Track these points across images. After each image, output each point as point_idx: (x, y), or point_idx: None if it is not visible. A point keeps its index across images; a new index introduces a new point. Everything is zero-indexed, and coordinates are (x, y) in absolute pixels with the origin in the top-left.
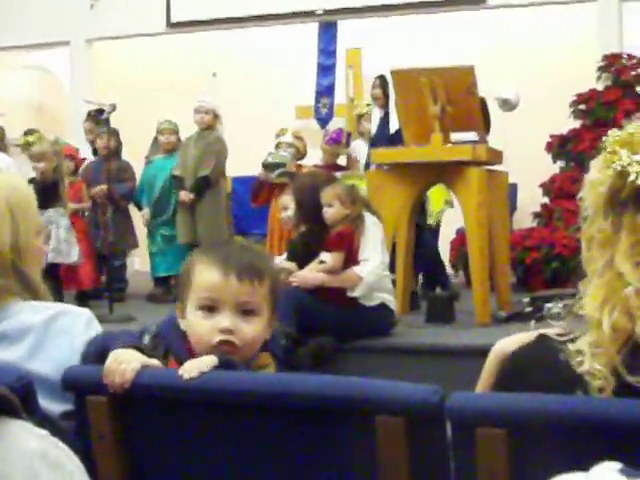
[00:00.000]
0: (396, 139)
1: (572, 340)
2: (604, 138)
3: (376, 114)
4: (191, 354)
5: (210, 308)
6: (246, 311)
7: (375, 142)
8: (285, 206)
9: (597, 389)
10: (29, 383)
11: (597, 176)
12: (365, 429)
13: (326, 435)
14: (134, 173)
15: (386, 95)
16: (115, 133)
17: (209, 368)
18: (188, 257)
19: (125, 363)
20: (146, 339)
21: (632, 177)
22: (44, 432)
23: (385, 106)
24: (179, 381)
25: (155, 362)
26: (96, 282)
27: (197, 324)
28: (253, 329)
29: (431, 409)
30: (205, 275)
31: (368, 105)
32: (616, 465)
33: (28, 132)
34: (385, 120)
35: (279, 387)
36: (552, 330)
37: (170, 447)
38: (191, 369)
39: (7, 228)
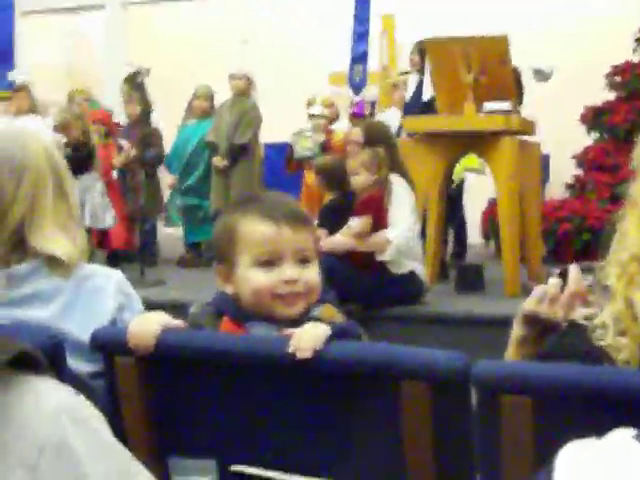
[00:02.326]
0: (429, 106)
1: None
2: None
3: (413, 81)
4: (244, 313)
5: (269, 262)
6: (303, 259)
7: (408, 109)
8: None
9: (622, 362)
10: (59, 342)
11: None
12: (390, 394)
13: (351, 400)
14: (161, 139)
15: (423, 61)
16: (145, 99)
17: (322, 343)
18: (222, 218)
19: (148, 325)
20: (193, 308)
21: None
22: (69, 388)
23: (421, 72)
24: (202, 343)
25: (179, 322)
26: (128, 244)
27: (257, 279)
28: (313, 275)
29: (456, 375)
30: (256, 229)
31: (402, 74)
32: (632, 431)
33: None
34: (420, 87)
35: None
36: (580, 312)
37: (196, 406)
38: (304, 347)
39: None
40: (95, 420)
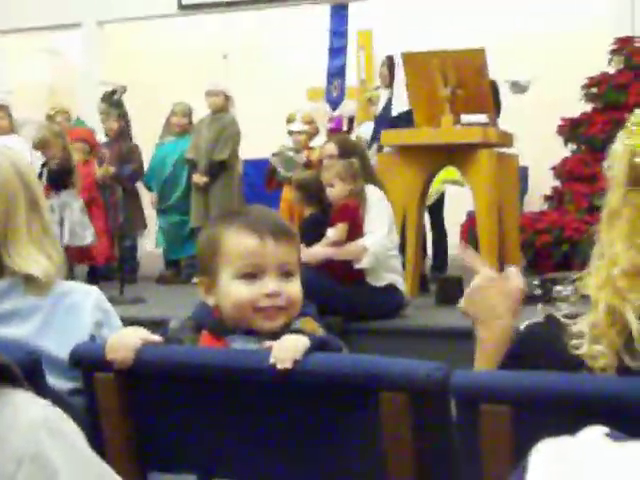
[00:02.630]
0: (398, 122)
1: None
2: (629, 116)
3: (383, 96)
4: (224, 327)
5: (251, 275)
6: (285, 273)
7: (378, 124)
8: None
9: (600, 369)
10: (37, 358)
11: (618, 147)
12: (369, 405)
13: (332, 411)
14: (140, 155)
15: (392, 75)
16: (123, 115)
17: (302, 354)
18: (206, 230)
19: (126, 339)
20: (172, 323)
21: (638, 159)
22: (46, 401)
23: (390, 86)
24: (181, 358)
25: (156, 338)
26: (110, 259)
27: (239, 292)
28: (295, 289)
29: (435, 385)
30: (240, 242)
31: (377, 88)
32: (603, 429)
33: (52, 113)
34: (389, 102)
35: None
36: (560, 312)
37: (175, 421)
38: (284, 358)
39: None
40: (72, 433)
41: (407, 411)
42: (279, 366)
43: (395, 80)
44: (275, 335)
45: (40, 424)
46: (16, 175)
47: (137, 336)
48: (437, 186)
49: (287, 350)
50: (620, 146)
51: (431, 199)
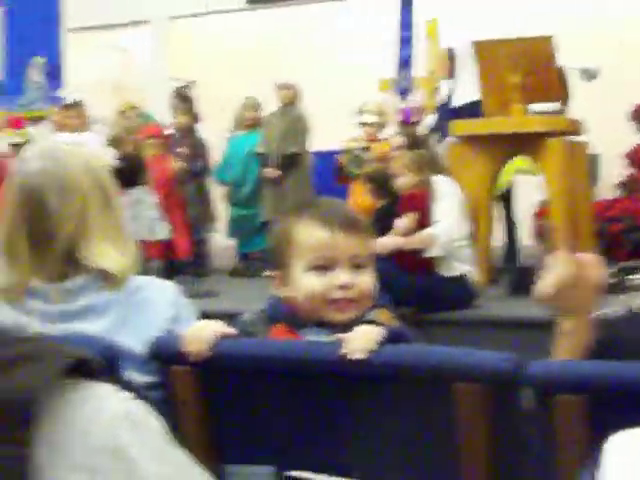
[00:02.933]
0: (460, 114)
1: None
2: None
3: (445, 87)
4: (297, 320)
5: (323, 267)
6: (357, 265)
7: (442, 113)
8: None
9: None
10: (114, 353)
11: None
12: (443, 397)
13: (405, 403)
14: (208, 150)
15: (452, 67)
16: (191, 110)
17: (376, 344)
18: (278, 224)
19: (203, 332)
20: (245, 316)
21: None
22: (128, 394)
23: (451, 78)
24: (256, 350)
25: (231, 330)
26: (190, 253)
27: (311, 284)
28: (367, 281)
29: (505, 376)
30: (311, 234)
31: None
32: None
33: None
34: (450, 93)
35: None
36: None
37: (251, 413)
38: (356, 349)
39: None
40: (154, 426)
41: (481, 402)
42: (352, 356)
43: (456, 71)
44: (347, 327)
45: (122, 417)
46: (88, 173)
47: (212, 329)
48: (507, 177)
49: (360, 341)
50: None
51: (501, 189)
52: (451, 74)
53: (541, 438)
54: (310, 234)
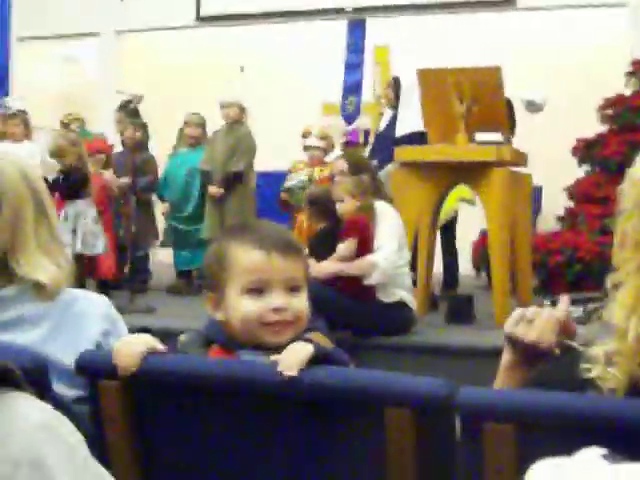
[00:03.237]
0: (400, 143)
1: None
2: None
3: (386, 116)
4: (234, 341)
5: (258, 290)
6: (292, 287)
7: (380, 141)
8: (339, 198)
9: (608, 391)
10: (43, 365)
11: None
12: (374, 421)
13: (335, 426)
14: (156, 167)
15: (397, 96)
16: (142, 125)
17: (306, 360)
18: (213, 245)
19: (134, 345)
20: (181, 337)
21: None
22: (49, 406)
23: (395, 108)
24: (186, 367)
25: (161, 347)
26: (116, 274)
27: (246, 307)
28: (302, 303)
29: (440, 402)
30: (246, 257)
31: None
32: (600, 450)
33: (66, 121)
34: (393, 121)
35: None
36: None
37: (179, 431)
38: (290, 366)
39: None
40: (73, 438)
41: (411, 427)
42: (287, 373)
43: (400, 101)
44: (283, 349)
45: (40, 428)
46: (23, 181)
47: (143, 343)
48: (452, 204)
49: (290, 358)
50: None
51: (445, 217)
52: (395, 104)
53: (470, 466)
54: (245, 256)
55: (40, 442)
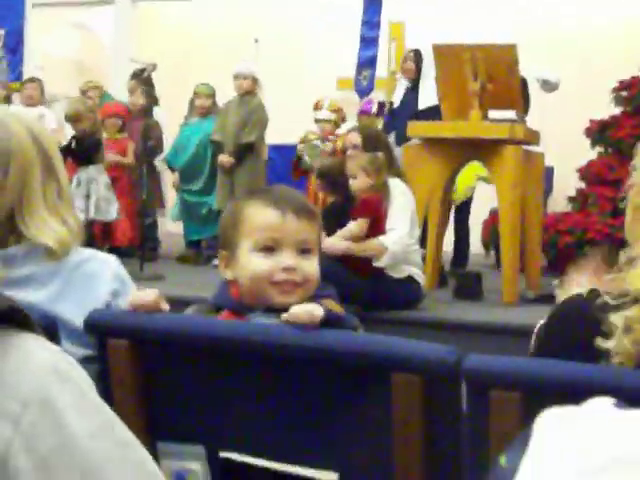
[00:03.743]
0: (423, 117)
1: (617, 308)
2: None
3: (400, 88)
4: (244, 305)
5: (269, 248)
6: (304, 250)
7: (399, 114)
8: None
9: (617, 363)
10: (53, 322)
11: None
12: (381, 386)
13: (342, 390)
14: (161, 132)
15: (418, 70)
16: (148, 92)
17: (318, 318)
18: (230, 205)
19: (146, 291)
20: (188, 310)
21: None
22: (58, 348)
23: (415, 80)
24: (196, 327)
25: (166, 307)
26: (132, 240)
27: (257, 264)
28: (312, 266)
29: (447, 368)
30: (262, 216)
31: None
32: (611, 399)
33: (85, 88)
34: (413, 94)
35: (297, 339)
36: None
37: (186, 392)
38: (299, 314)
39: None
40: (82, 380)
41: (418, 393)
42: (294, 319)
43: (422, 73)
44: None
45: (50, 369)
46: (31, 140)
47: (153, 291)
48: (470, 183)
49: (304, 311)
50: None
51: (463, 196)
52: (417, 77)
53: (476, 434)
54: (260, 214)
55: (50, 383)
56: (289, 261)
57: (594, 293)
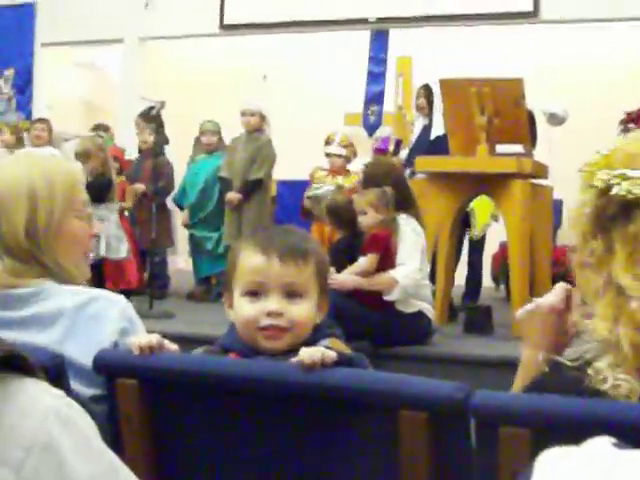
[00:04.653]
0: (436, 144)
1: (587, 363)
2: (582, 166)
3: (419, 124)
4: (250, 349)
5: (255, 293)
6: (292, 293)
7: (414, 150)
8: (362, 210)
9: (624, 397)
10: (61, 363)
11: (580, 198)
12: (388, 424)
13: (349, 428)
14: (171, 171)
15: (430, 104)
16: (157, 130)
17: (329, 361)
18: (232, 248)
19: (148, 336)
20: (196, 351)
21: (615, 190)
22: (60, 392)
23: (429, 115)
24: (204, 367)
25: (174, 347)
26: (141, 282)
27: (243, 309)
28: (301, 310)
29: (455, 406)
30: (248, 259)
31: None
32: (611, 439)
33: (96, 128)
34: (428, 129)
35: (304, 377)
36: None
37: (197, 432)
38: (311, 356)
39: (22, 213)
40: (85, 425)
41: (426, 431)
42: (306, 361)
43: (434, 107)
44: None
45: (53, 414)
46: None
47: (155, 335)
48: (486, 220)
49: (315, 353)
50: (581, 195)
51: (481, 232)
52: (429, 112)
53: (485, 472)
54: (248, 258)
55: (52, 427)
56: (273, 306)
57: (555, 366)
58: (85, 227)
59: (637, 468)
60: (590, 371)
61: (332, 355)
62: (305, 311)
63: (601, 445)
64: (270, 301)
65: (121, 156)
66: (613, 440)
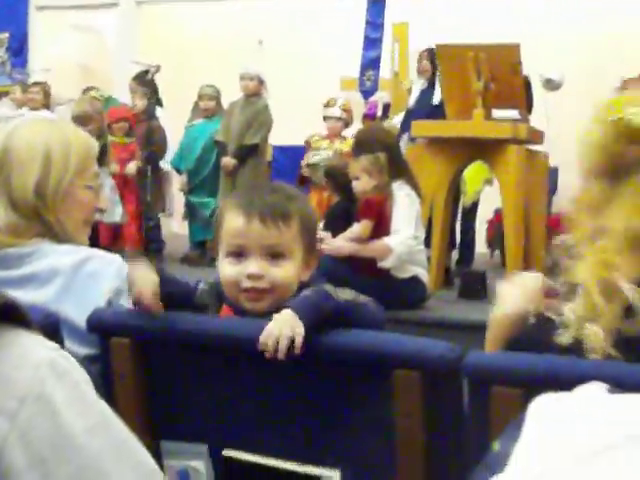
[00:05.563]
0: (438, 111)
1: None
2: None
3: (416, 87)
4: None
5: (238, 254)
6: (274, 255)
7: (414, 114)
8: (355, 176)
9: (592, 350)
10: (55, 322)
11: (592, 128)
12: (383, 383)
13: (343, 387)
14: (163, 136)
15: (434, 68)
16: (150, 94)
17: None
18: (220, 206)
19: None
20: (202, 285)
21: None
22: (56, 345)
23: (431, 79)
24: (197, 326)
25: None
26: (138, 245)
27: (225, 270)
28: (284, 272)
29: (448, 365)
30: (231, 221)
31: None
32: (603, 385)
33: (87, 90)
34: (429, 92)
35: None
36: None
37: (189, 390)
38: (265, 341)
39: (35, 172)
40: (79, 377)
41: (420, 390)
42: (260, 343)
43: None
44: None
45: (47, 365)
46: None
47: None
48: (478, 186)
49: (273, 331)
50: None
51: (472, 198)
52: (433, 75)
53: (477, 430)
54: (230, 220)
55: (46, 379)
56: (252, 269)
57: (541, 319)
58: (92, 198)
59: (632, 411)
60: (558, 320)
61: (299, 332)
62: (288, 272)
63: (595, 390)
64: (250, 263)
65: (131, 115)
66: (606, 385)
